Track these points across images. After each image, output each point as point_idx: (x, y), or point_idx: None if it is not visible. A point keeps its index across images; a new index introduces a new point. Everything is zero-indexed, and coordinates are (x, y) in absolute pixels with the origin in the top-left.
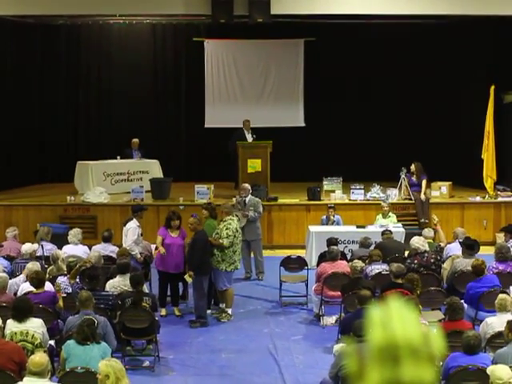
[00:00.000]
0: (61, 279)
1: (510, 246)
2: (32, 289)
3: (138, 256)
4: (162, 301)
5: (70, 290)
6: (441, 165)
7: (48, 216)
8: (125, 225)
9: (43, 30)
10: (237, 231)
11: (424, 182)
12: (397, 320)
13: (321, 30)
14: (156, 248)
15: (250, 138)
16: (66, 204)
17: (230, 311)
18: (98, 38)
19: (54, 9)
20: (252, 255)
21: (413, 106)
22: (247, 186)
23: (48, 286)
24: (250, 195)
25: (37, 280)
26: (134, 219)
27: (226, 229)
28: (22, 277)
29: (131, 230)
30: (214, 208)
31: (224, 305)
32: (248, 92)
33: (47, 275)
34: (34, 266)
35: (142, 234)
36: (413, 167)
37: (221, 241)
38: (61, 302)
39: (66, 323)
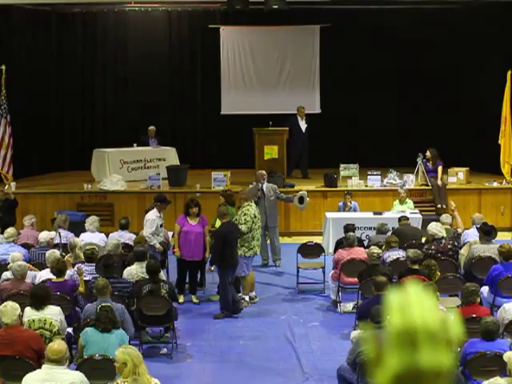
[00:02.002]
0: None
1: None
2: (51, 276)
3: (157, 246)
4: (180, 288)
5: (89, 278)
6: (458, 150)
7: (65, 204)
8: (146, 213)
9: (58, 18)
10: (255, 217)
11: (440, 169)
12: (415, 305)
13: (336, 16)
14: (173, 235)
15: (303, 125)
16: (83, 192)
17: (247, 298)
18: (114, 26)
19: None
20: (268, 241)
21: (428, 91)
22: (264, 172)
23: (68, 275)
24: (266, 182)
25: (57, 269)
26: (155, 209)
27: (244, 215)
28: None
29: (149, 222)
30: (232, 195)
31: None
32: (264, 79)
33: None
34: (53, 254)
35: (161, 226)
36: (428, 153)
37: (239, 227)
38: (81, 288)
39: (84, 311)
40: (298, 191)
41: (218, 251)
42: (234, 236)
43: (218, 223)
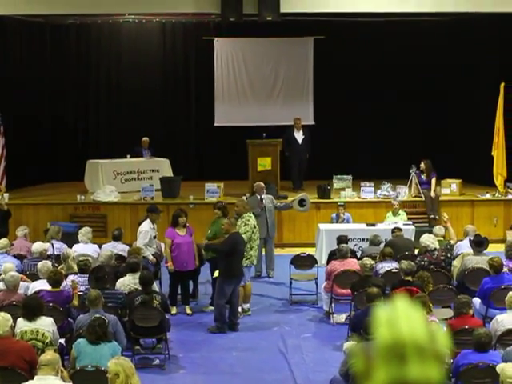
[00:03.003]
0: (72, 278)
1: None
2: (43, 287)
3: (151, 257)
4: (172, 299)
5: (82, 289)
6: (451, 162)
7: (58, 215)
8: (140, 224)
9: (52, 29)
10: (254, 227)
11: (433, 180)
12: (403, 319)
13: (330, 28)
14: (165, 249)
15: (300, 137)
16: (76, 203)
17: (239, 309)
18: (108, 37)
19: (64, 8)
20: (263, 253)
21: (422, 103)
22: (262, 184)
23: (61, 286)
24: (264, 193)
25: (54, 280)
26: (148, 220)
27: (245, 225)
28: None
29: (142, 234)
30: (226, 207)
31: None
32: (258, 90)
33: None
34: (45, 265)
35: (155, 237)
36: (422, 165)
37: None
38: (75, 301)
39: (76, 322)
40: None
41: (226, 261)
42: (242, 247)
43: (208, 231)
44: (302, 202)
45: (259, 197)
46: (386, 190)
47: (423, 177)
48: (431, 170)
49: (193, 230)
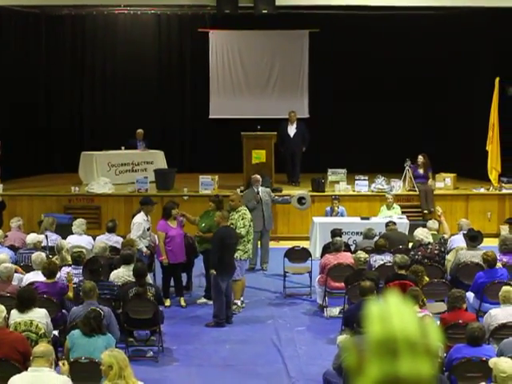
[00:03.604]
0: (66, 269)
1: None
2: (37, 278)
3: (144, 250)
4: (165, 291)
5: (76, 281)
6: (445, 156)
7: (52, 206)
8: (134, 216)
9: (48, 20)
10: (251, 220)
11: (431, 174)
12: (395, 314)
13: (326, 21)
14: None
15: (292, 131)
16: (71, 194)
17: (239, 302)
18: (103, 29)
19: None
20: (259, 245)
21: (417, 97)
22: (258, 177)
23: (57, 278)
24: (260, 186)
25: (49, 270)
26: (142, 212)
27: (242, 219)
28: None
29: (136, 226)
30: (222, 200)
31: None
32: (253, 83)
33: None
34: (39, 256)
35: (149, 229)
36: (422, 158)
37: (238, 231)
38: (70, 293)
39: (70, 313)
40: (285, 195)
41: (218, 256)
42: (233, 241)
43: (202, 225)
44: (301, 200)
45: (255, 190)
46: (380, 183)
47: (419, 170)
48: (428, 164)
49: (183, 221)
